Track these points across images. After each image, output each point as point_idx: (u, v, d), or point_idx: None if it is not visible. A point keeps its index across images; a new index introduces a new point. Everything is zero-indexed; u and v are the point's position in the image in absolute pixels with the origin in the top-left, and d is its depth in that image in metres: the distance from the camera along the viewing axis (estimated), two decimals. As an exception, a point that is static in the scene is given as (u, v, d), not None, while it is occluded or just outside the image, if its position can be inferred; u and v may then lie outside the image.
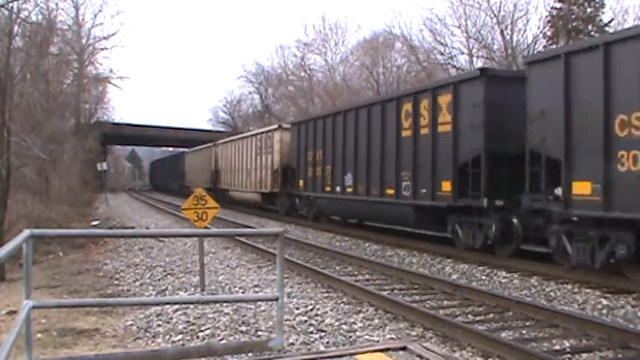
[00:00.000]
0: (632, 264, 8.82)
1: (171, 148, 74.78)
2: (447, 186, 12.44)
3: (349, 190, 16.84)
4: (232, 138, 31.81)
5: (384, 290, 8.70)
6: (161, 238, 14.52)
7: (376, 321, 6.92)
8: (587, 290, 8.65)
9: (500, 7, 31.03)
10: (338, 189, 17.59)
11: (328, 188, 18.31)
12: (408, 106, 14.02)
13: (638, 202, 8.17)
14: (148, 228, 18.35)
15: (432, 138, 13.01)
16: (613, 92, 8.55)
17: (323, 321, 6.64)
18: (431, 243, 13.64)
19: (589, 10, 28.89)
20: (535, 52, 27.59)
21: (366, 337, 6.05)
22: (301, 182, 20.61)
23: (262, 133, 25.40)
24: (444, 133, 12.64)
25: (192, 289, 8.77)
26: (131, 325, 6.65)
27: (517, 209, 10.98)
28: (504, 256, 11.27)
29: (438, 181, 12.69)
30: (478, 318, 7.18)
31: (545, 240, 10.34)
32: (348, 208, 17.77)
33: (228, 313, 6.88)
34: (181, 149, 57.17)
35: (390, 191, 14.56)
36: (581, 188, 9.18)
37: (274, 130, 23.68)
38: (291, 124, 23.28)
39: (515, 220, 11.29)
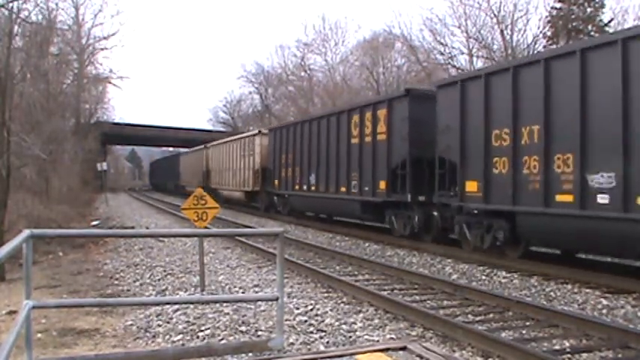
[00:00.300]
0: (510, 245, 11.18)
1: (171, 148, 74.82)
2: (383, 184, 15.16)
3: (313, 188, 19.54)
4: (221, 141, 34.09)
5: (384, 290, 8.70)
6: (161, 238, 14.52)
7: (376, 321, 6.92)
8: (587, 290, 8.66)
9: (500, 7, 31.07)
10: (305, 187, 20.23)
11: (297, 187, 20.97)
12: (356, 118, 16.82)
13: (507, 197, 10.61)
14: (148, 228, 18.35)
15: (372, 145, 15.82)
16: (491, 112, 11.26)
17: (323, 321, 6.64)
18: (431, 243, 13.62)
19: (589, 10, 28.90)
20: (535, 52, 27.61)
21: (366, 337, 6.05)
22: (276, 182, 23.09)
23: (246, 137, 28.22)
24: (381, 142, 15.32)
25: (192, 289, 8.77)
26: (131, 325, 6.65)
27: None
28: (428, 242, 13.75)
29: (377, 181, 15.42)
30: (478, 318, 7.17)
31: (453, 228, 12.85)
32: (314, 204, 20.27)
33: (228, 313, 6.88)
34: (180, 149, 57.26)
35: (343, 189, 17.27)
36: (471, 186, 12.08)
37: (255, 135, 26.41)
38: (269, 129, 25.73)
39: (435, 213, 13.84)
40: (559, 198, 9.50)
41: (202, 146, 37.88)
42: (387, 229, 15.60)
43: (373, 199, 15.54)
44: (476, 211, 11.87)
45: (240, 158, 27.84)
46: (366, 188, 15.90)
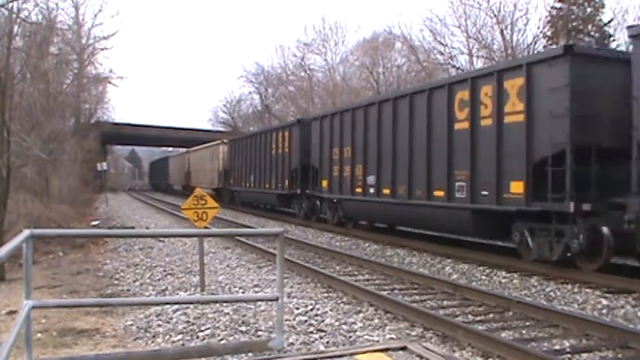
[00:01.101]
0: None
1: (171, 148, 74.82)
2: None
3: (372, 191, 21.82)
4: (197, 148, 41.68)
5: (384, 290, 8.70)
6: (161, 238, 14.52)
7: (376, 321, 6.92)
8: (587, 290, 8.66)
9: (500, 7, 31.08)
10: (244, 185, 28.34)
11: (245, 184, 28.43)
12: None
13: None
14: (148, 228, 18.35)
15: (282, 155, 22.10)
16: (333, 137, 18.40)
17: (323, 321, 6.64)
18: (431, 243, 13.62)
19: (589, 10, 28.90)
20: (535, 52, 27.58)
21: (366, 337, 6.05)
22: (232, 180, 31.29)
23: (213, 145, 35.69)
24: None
25: (192, 289, 8.76)
26: (131, 325, 6.65)
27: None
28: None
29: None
30: (478, 318, 7.18)
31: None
32: (252, 198, 27.95)
33: (228, 313, 6.87)
34: (180, 149, 57.36)
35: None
36: (324, 183, 18.29)
37: (219, 144, 34.36)
38: (229, 140, 33.78)
39: (317, 202, 19.46)
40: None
41: (185, 151, 47.14)
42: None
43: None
44: None
45: (210, 161, 35.74)
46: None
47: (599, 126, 9.53)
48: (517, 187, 10.46)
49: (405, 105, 13.97)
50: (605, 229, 9.30)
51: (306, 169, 20.41)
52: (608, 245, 9.30)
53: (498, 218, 11.19)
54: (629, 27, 10.86)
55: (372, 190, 15.51)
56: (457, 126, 12.17)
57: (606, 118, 9.54)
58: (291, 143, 21.89)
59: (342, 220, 18.08)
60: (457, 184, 11.99)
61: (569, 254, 9.83)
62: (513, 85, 10.73)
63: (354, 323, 6.61)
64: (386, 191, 14.76)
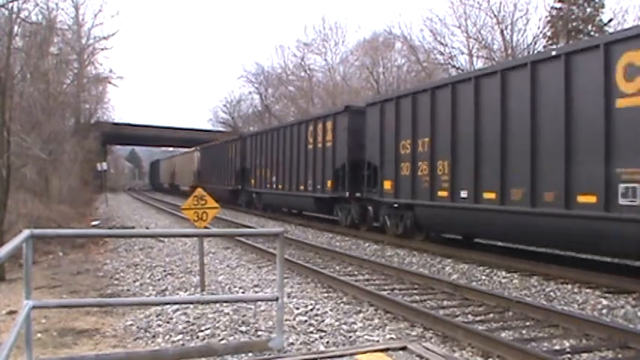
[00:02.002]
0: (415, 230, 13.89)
1: (171, 148, 74.81)
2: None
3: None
4: (180, 153, 52.83)
5: (384, 290, 8.70)
6: (161, 238, 14.52)
7: (376, 321, 6.92)
8: (587, 290, 8.66)
9: (500, 7, 31.09)
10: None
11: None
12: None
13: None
14: (148, 228, 18.35)
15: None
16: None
17: (323, 321, 6.64)
18: (431, 243, 13.62)
19: (589, 10, 28.92)
20: (535, 52, 27.61)
21: (366, 337, 6.05)
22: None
23: (191, 152, 44.43)
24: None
25: (192, 289, 8.76)
26: (131, 325, 6.65)
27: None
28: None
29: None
30: (478, 318, 7.18)
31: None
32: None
33: (228, 313, 6.87)
34: (181, 149, 57.46)
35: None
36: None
37: (194, 150, 42.77)
38: (200, 148, 40.21)
39: (369, 207, 16.42)
40: None
41: (171, 155, 58.26)
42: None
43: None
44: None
45: (189, 164, 43.79)
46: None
47: None
48: None
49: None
50: (369, 207, 16.78)
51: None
52: (370, 215, 16.59)
53: None
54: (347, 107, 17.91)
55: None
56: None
57: None
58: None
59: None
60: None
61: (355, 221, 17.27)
62: (329, 125, 18.38)
63: (354, 323, 6.61)
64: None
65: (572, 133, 9.38)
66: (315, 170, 19.19)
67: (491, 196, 11.04)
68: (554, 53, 10.04)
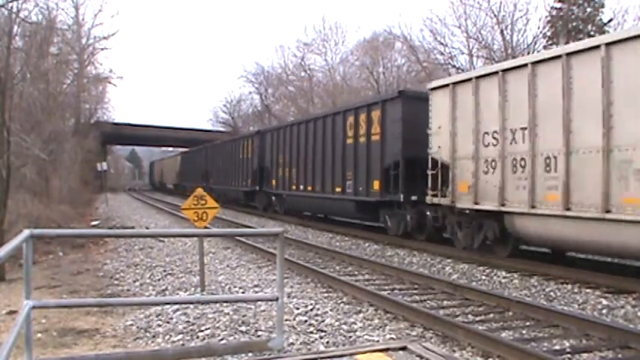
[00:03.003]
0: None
1: (171, 148, 74.83)
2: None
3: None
4: (169, 156, 62.21)
5: (384, 290, 8.70)
6: (161, 238, 14.52)
7: (376, 321, 6.92)
8: (587, 290, 8.65)
9: (500, 7, 30.97)
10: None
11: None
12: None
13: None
14: (148, 228, 18.34)
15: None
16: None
17: (323, 321, 6.64)
18: (431, 243, 13.62)
19: (589, 10, 28.89)
20: (535, 52, 27.60)
21: (366, 337, 6.05)
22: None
23: (175, 155, 55.34)
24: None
25: (192, 289, 8.76)
26: (131, 325, 6.65)
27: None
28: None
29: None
30: (478, 318, 7.17)
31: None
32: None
33: (228, 313, 6.87)
34: (181, 149, 57.53)
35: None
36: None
37: (178, 155, 52.73)
38: (180, 153, 49.35)
39: (428, 213, 13.21)
40: None
41: (160, 159, 69.87)
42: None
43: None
44: (468, 211, 11.53)
45: (174, 166, 51.99)
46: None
47: None
48: None
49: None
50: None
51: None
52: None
53: None
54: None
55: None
56: None
57: None
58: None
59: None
60: None
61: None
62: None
63: (354, 323, 6.61)
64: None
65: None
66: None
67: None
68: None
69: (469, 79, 11.77)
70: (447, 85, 12.39)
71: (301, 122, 21.28)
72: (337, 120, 17.62)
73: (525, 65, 10.22)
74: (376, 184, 15.04)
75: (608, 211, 8.53)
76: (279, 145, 23.11)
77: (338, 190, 17.21)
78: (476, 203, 11.41)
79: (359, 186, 15.89)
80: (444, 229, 13.13)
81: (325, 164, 18.22)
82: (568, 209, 9.23)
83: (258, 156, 25.78)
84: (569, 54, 9.36)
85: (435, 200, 12.59)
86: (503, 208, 10.67)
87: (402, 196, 13.84)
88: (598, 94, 8.67)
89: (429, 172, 12.76)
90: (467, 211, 11.81)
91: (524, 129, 10.19)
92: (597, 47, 8.80)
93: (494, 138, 11.01)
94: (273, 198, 24.41)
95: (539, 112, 9.94)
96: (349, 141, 16.63)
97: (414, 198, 13.63)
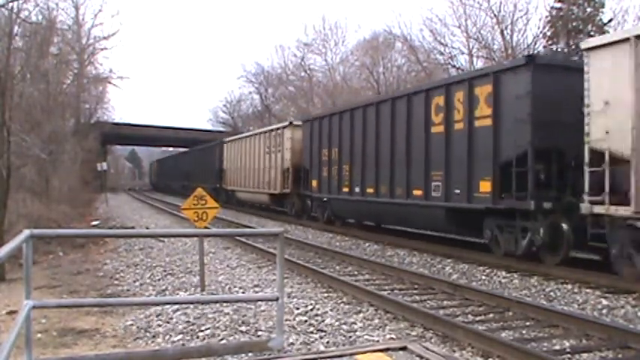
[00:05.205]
0: None
1: (171, 148, 74.85)
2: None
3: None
4: (173, 154, 63.20)
5: (384, 290, 8.70)
6: (161, 238, 14.51)
7: (376, 321, 6.91)
8: (587, 290, 8.65)
9: (500, 7, 30.97)
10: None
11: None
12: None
13: None
14: (148, 228, 18.34)
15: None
16: None
17: (323, 321, 6.64)
18: (431, 243, 13.62)
19: (589, 10, 28.89)
20: (535, 52, 27.56)
21: (366, 337, 6.05)
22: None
23: (182, 153, 52.81)
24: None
25: (192, 289, 8.76)
26: (131, 325, 6.65)
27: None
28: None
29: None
30: (478, 318, 7.17)
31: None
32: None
33: (228, 313, 6.87)
34: (181, 149, 57.58)
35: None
36: None
37: (185, 153, 50.04)
38: (157, 160, 55.48)
39: (564, 225, 9.95)
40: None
41: (154, 161, 75.72)
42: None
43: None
44: None
45: (171, 167, 54.50)
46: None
47: None
48: None
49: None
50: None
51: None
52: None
53: None
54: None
55: None
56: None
57: None
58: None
59: None
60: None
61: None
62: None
63: (354, 323, 6.61)
64: None
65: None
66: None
67: None
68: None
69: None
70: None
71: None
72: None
73: None
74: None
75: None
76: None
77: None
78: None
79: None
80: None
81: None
82: None
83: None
84: None
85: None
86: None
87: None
88: None
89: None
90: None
91: None
92: None
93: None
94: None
95: None
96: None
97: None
